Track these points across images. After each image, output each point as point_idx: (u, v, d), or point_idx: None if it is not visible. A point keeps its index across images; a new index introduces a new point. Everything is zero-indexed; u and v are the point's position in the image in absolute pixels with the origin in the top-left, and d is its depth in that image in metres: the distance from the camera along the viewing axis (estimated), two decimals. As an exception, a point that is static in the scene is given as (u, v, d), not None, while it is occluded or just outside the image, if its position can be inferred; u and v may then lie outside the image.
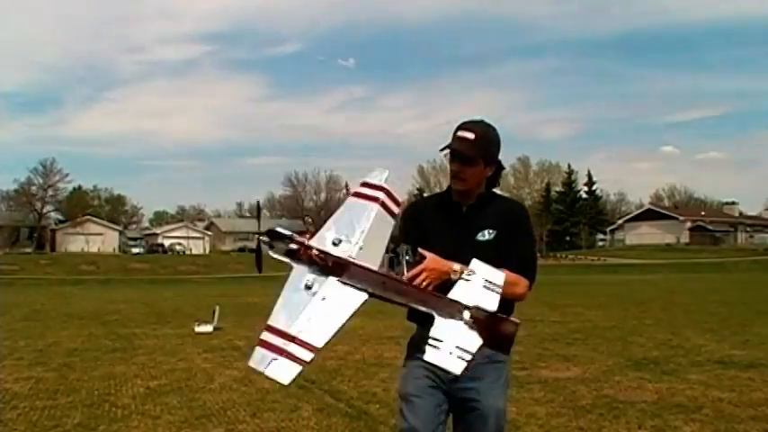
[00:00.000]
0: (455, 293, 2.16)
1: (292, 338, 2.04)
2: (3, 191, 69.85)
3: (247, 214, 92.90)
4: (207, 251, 71.13)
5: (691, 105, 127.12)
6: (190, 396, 5.90)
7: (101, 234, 68.75)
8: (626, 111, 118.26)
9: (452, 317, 2.11)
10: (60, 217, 71.26)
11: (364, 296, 2.15)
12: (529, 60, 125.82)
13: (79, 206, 71.59)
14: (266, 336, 2.07)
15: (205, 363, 7.75)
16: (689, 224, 72.09)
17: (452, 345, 2.05)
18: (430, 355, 2.07)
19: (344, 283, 2.16)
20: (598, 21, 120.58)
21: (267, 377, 2.01)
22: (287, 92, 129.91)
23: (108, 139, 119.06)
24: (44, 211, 66.49)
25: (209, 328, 10.84)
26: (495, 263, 2.24)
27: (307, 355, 2.02)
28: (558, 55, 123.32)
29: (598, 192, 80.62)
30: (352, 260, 2.20)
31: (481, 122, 2.42)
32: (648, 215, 76.26)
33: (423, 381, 2.35)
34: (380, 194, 2.40)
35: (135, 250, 66.69)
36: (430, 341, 2.08)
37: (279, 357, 2.02)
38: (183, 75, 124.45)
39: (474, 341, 2.07)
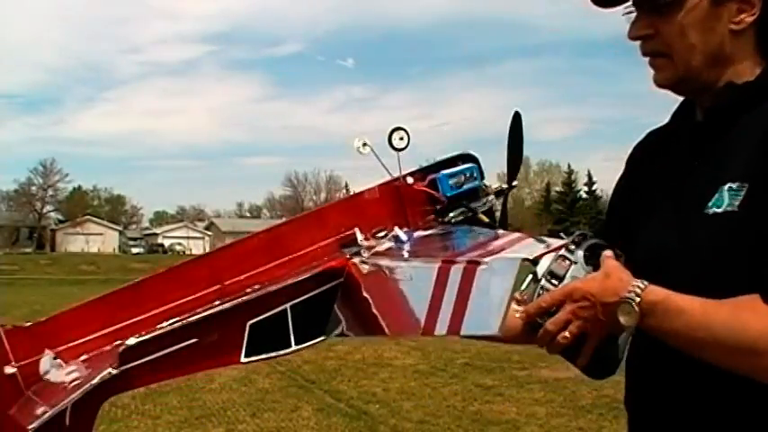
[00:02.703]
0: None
1: None
2: (3, 191, 69.69)
3: (247, 214, 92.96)
4: (207, 251, 71.18)
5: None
6: (190, 396, 5.90)
7: (101, 234, 68.65)
8: (626, 111, 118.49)
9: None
10: (60, 217, 71.23)
11: None
12: (528, 60, 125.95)
13: (79, 206, 71.57)
14: None
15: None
16: (689, 224, 72.14)
17: None
18: None
19: None
20: (597, 20, 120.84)
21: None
22: (287, 92, 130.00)
23: (108, 139, 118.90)
24: (44, 211, 66.49)
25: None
26: (732, 280, 0.89)
27: None
28: (558, 55, 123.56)
29: (598, 192, 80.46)
30: None
31: None
32: (648, 215, 76.28)
33: None
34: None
35: (135, 250, 66.70)
36: None
37: None
38: (183, 75, 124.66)
39: None
